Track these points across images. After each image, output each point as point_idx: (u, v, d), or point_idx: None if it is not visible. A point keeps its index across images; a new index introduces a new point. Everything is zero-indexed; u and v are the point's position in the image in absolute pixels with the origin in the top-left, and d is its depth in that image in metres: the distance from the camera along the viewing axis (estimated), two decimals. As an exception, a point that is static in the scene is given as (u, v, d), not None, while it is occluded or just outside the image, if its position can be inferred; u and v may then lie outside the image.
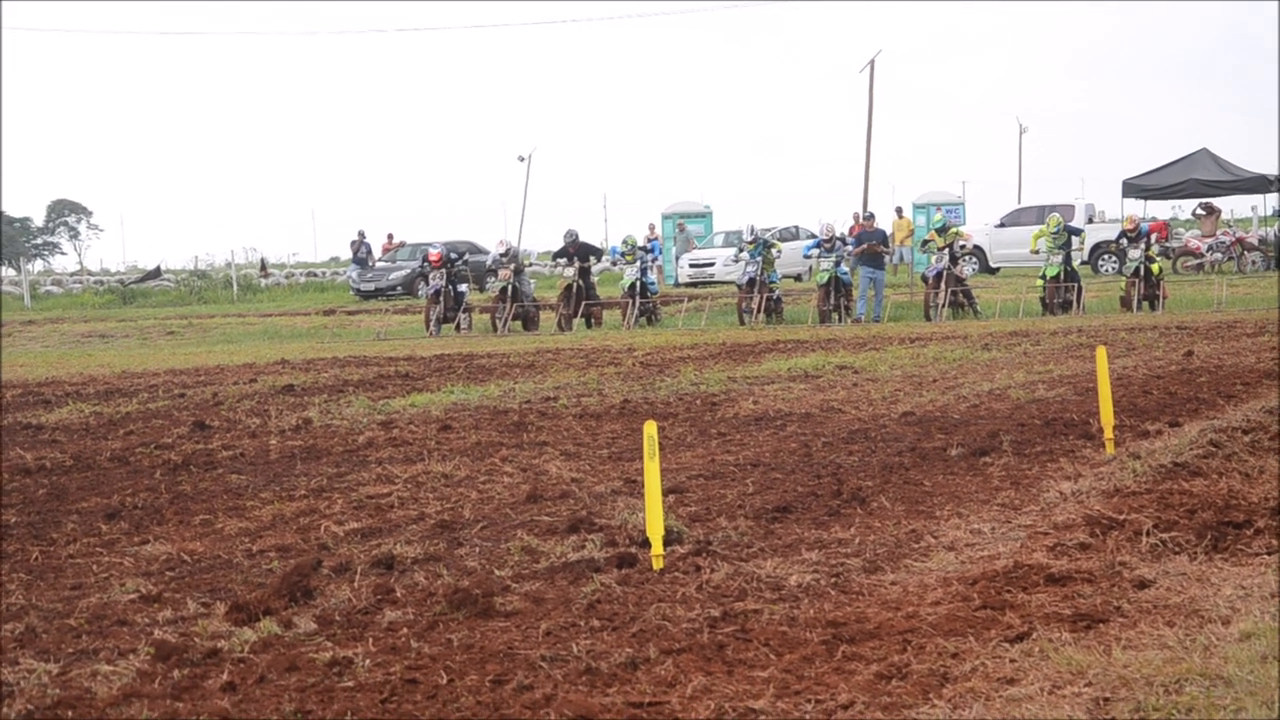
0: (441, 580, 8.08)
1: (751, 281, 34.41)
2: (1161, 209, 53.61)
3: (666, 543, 8.39)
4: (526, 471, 11.82)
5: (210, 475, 12.35)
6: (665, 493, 9.18)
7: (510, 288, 35.43)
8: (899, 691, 5.93)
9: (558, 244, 38.25)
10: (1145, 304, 31.75)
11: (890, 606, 7.19)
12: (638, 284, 36.10)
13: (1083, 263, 40.33)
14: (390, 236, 59.19)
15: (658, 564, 8.17)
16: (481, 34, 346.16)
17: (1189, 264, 45.20)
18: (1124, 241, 33.40)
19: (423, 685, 6.24)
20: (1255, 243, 46.45)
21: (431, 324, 35.50)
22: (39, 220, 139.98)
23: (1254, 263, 45.02)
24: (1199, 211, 50.65)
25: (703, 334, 30.92)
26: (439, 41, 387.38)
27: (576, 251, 36.17)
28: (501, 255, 36.22)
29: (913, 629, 6.75)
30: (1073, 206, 48.80)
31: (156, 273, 72.91)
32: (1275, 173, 49.59)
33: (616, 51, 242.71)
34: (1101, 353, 11.87)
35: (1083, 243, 36.65)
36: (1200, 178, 49.12)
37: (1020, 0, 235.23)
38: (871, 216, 38.59)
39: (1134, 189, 49.75)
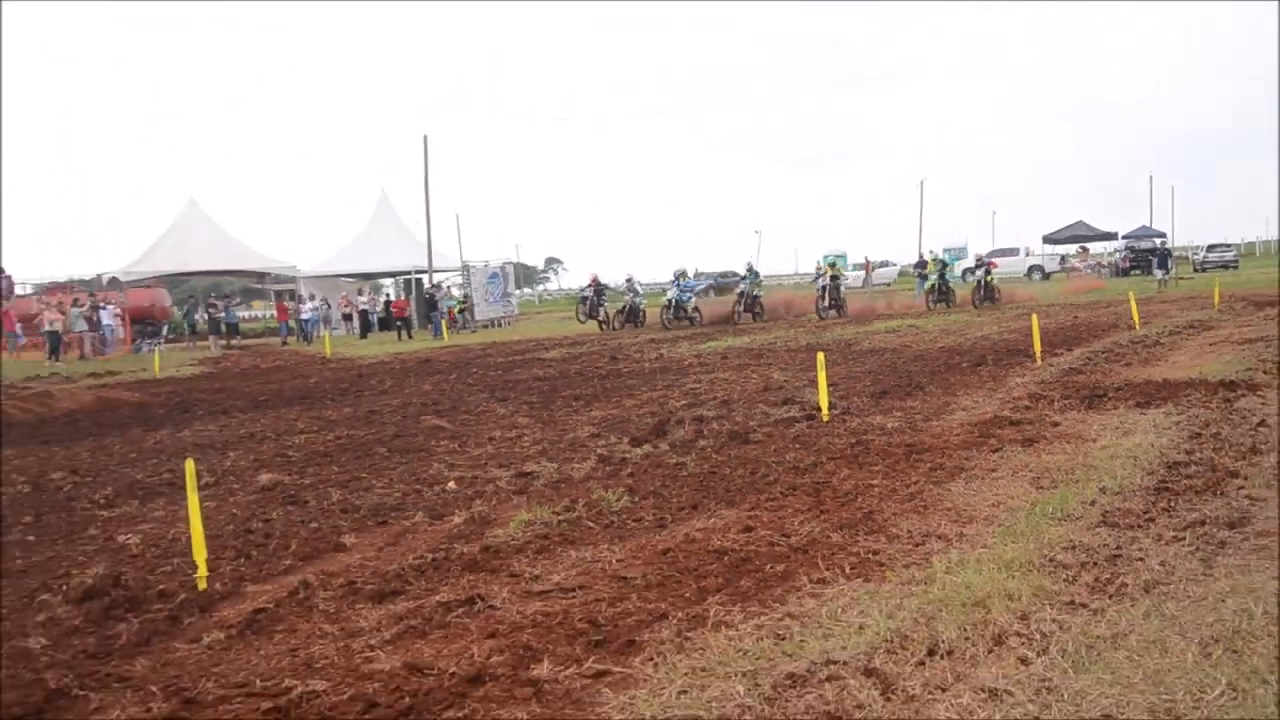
0: (725, 425, 8.14)
1: (824, 289, 25.65)
2: (1063, 249, 50.15)
3: (829, 408, 8.44)
4: (762, 377, 11.83)
5: (618, 380, 12.56)
6: (828, 385, 9.23)
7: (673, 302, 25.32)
8: (940, 475, 5.93)
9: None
10: (986, 302, 26.15)
11: (935, 436, 7.15)
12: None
13: (957, 278, 34.62)
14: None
15: (825, 418, 8.19)
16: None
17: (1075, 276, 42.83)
18: (978, 271, 28.04)
19: (717, 474, 6.36)
20: (1105, 264, 45.00)
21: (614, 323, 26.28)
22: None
23: (1104, 272, 43.14)
24: (1078, 249, 49.41)
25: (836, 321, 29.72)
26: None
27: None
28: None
29: (945, 446, 6.71)
30: (964, 247, 48.95)
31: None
32: (1119, 230, 49.15)
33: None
34: (1034, 318, 11.57)
35: (952, 270, 32.31)
36: (1079, 233, 49.60)
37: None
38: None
39: (1049, 239, 50.00)
